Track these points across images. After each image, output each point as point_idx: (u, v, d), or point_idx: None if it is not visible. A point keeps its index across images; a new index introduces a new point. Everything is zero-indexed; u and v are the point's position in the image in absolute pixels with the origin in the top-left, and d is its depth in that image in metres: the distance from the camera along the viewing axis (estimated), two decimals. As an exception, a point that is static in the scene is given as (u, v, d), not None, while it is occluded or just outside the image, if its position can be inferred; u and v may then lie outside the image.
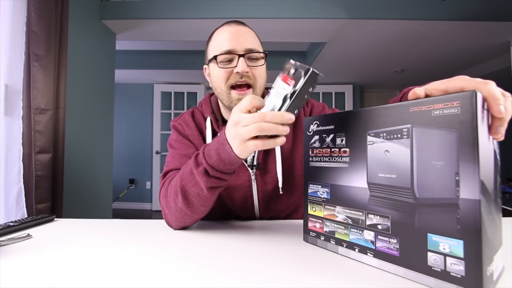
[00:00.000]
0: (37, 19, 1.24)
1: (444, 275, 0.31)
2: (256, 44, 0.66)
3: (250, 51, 0.63)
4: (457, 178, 0.30)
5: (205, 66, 0.73)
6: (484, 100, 0.31)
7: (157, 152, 3.98)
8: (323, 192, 0.46)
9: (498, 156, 0.35)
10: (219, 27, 0.68)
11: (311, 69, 0.40)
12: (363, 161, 0.40)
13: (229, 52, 0.63)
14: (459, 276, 0.30)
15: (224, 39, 0.64)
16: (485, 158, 0.30)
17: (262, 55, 0.66)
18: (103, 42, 2.13)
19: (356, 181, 0.41)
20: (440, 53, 2.78)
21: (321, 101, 4.00)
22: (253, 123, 0.42)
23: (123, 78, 3.80)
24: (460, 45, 2.57)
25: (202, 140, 0.71)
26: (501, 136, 0.32)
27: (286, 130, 0.42)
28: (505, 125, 0.32)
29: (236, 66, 0.62)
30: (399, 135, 0.36)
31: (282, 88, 0.43)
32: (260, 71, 0.65)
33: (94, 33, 1.99)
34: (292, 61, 0.44)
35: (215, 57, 0.64)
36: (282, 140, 0.44)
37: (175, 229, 0.60)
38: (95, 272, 0.38)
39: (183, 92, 4.04)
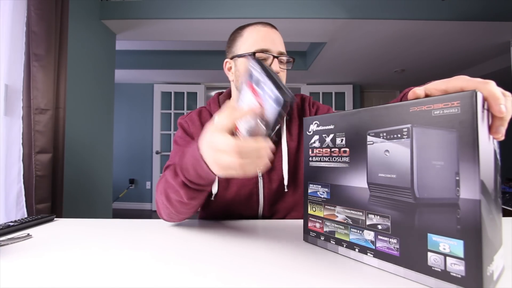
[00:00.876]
0: (37, 19, 1.24)
1: (444, 275, 0.31)
2: (285, 50, 0.71)
3: (282, 54, 0.69)
4: (457, 178, 0.30)
5: (227, 60, 0.74)
6: (484, 99, 0.31)
7: (157, 152, 3.97)
8: (323, 192, 0.46)
9: (498, 156, 0.35)
10: (251, 25, 0.71)
11: (283, 100, 0.34)
12: (363, 161, 0.40)
13: (265, 51, 0.67)
14: (459, 276, 0.30)
15: (261, 37, 0.68)
16: (485, 158, 0.30)
17: (290, 59, 0.71)
18: (103, 42, 2.13)
19: (356, 181, 0.41)
20: (440, 53, 2.78)
21: (321, 101, 4.01)
22: (236, 159, 0.37)
23: (123, 78, 3.80)
24: (460, 45, 2.57)
25: None
26: (502, 136, 0.32)
27: (269, 155, 0.39)
28: (506, 125, 0.32)
29: (270, 65, 0.67)
30: (399, 135, 0.36)
31: (252, 102, 0.41)
32: (285, 73, 0.72)
33: (94, 33, 1.99)
34: (252, 63, 0.38)
35: (254, 54, 0.66)
36: (267, 165, 0.40)
37: (167, 221, 0.62)
38: (95, 272, 0.38)
39: (183, 92, 4.04)
